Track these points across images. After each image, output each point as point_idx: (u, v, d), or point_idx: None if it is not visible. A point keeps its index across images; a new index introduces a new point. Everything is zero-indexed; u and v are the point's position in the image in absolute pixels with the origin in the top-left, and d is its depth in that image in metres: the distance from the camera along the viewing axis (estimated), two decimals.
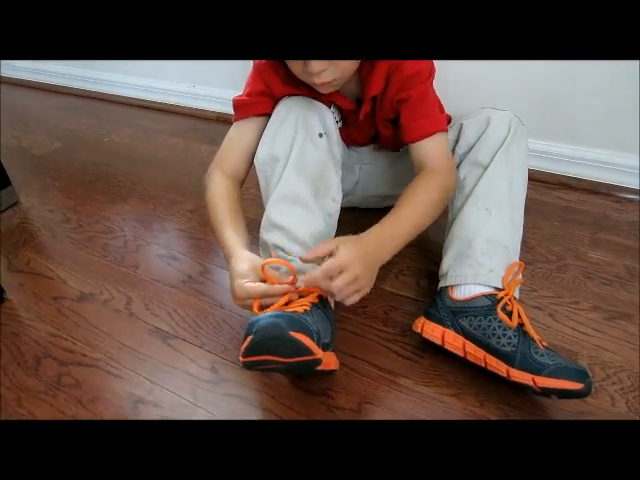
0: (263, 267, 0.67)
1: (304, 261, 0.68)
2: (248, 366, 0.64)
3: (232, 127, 0.85)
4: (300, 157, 0.76)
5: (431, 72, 0.78)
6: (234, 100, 0.84)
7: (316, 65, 0.67)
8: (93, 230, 1.13)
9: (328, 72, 0.69)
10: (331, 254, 0.64)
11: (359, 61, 0.73)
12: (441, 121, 0.80)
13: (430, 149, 0.79)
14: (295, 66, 0.71)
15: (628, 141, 1.15)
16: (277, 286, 0.66)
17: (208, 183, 0.83)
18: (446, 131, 0.81)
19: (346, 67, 0.71)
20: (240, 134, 0.84)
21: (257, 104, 0.82)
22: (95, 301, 0.92)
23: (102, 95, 1.98)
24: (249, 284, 0.66)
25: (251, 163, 0.84)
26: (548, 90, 1.18)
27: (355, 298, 0.66)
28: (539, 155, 1.24)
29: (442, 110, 0.85)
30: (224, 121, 1.66)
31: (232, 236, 0.74)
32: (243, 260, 0.69)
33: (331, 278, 0.63)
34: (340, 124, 0.87)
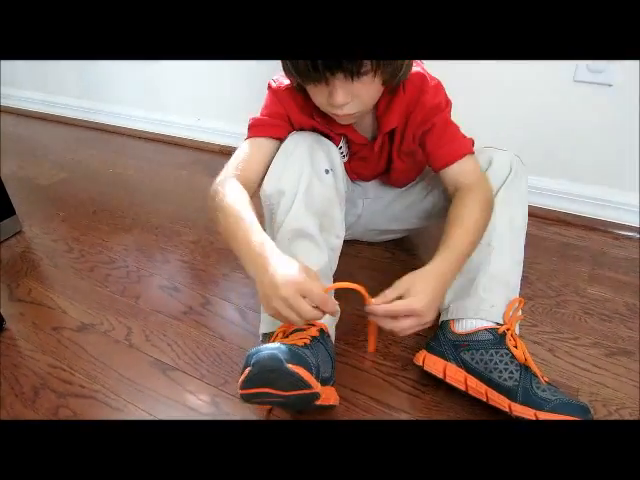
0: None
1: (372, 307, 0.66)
2: (246, 399, 0.64)
3: (246, 142, 0.82)
4: (307, 193, 0.77)
5: (448, 102, 0.81)
6: (252, 119, 0.82)
7: (341, 97, 0.67)
8: (95, 260, 1.14)
9: (351, 105, 0.70)
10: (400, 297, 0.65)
11: (380, 94, 0.74)
12: (468, 144, 0.82)
13: (462, 169, 0.80)
14: (319, 97, 0.72)
15: (626, 179, 1.18)
16: (333, 301, 0.64)
17: (221, 189, 0.73)
18: (474, 153, 0.82)
19: (369, 100, 0.73)
20: (256, 149, 0.81)
21: (276, 127, 0.81)
22: (95, 332, 0.92)
23: (109, 127, 2.03)
24: (319, 283, 0.62)
25: (260, 180, 0.81)
26: (547, 128, 1.22)
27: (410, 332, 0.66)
28: (539, 192, 1.27)
29: (464, 136, 0.86)
30: (227, 154, 1.67)
31: (267, 238, 0.66)
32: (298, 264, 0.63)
33: (395, 317, 0.64)
34: (346, 158, 0.89)
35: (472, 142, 0.84)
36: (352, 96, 0.69)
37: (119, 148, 1.85)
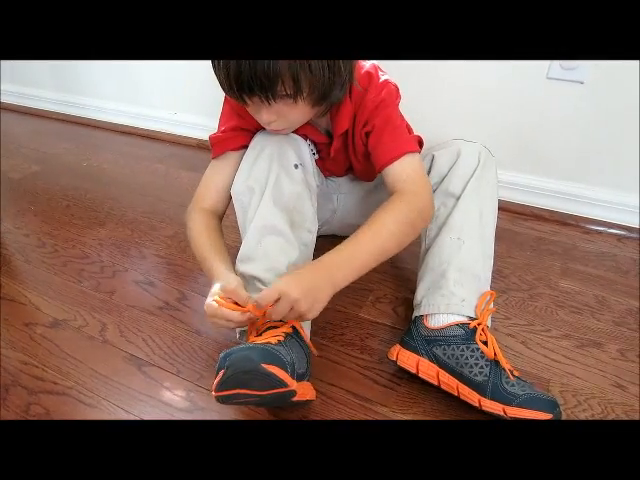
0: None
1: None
2: (222, 400, 0.63)
3: (209, 165, 0.87)
4: (276, 188, 0.77)
5: (395, 98, 0.80)
6: (210, 138, 0.85)
7: (264, 116, 0.71)
8: (69, 255, 1.12)
9: (278, 122, 0.73)
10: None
11: (310, 112, 0.74)
12: (409, 142, 0.78)
13: (400, 171, 0.77)
14: (250, 111, 0.74)
15: (596, 175, 1.20)
16: (236, 313, 0.66)
17: (187, 222, 0.84)
18: (416, 151, 0.79)
19: (295, 118, 0.74)
20: (216, 171, 0.86)
21: (232, 139, 0.83)
22: (69, 327, 0.90)
23: (84, 120, 1.99)
24: (214, 304, 0.66)
25: (229, 199, 0.85)
26: (521, 125, 1.23)
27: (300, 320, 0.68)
28: (513, 187, 1.29)
29: (410, 131, 0.85)
30: (204, 148, 1.68)
31: (218, 265, 0.74)
32: (218, 281, 0.70)
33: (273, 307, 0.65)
34: (316, 156, 0.89)
35: (419, 140, 0.82)
36: (277, 115, 0.71)
37: (94, 141, 1.82)
